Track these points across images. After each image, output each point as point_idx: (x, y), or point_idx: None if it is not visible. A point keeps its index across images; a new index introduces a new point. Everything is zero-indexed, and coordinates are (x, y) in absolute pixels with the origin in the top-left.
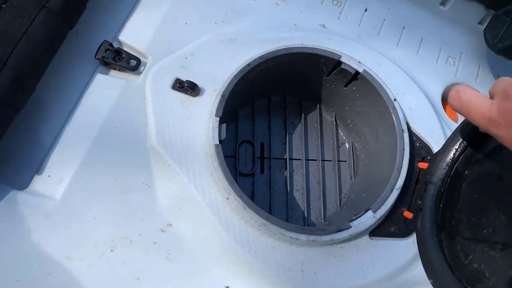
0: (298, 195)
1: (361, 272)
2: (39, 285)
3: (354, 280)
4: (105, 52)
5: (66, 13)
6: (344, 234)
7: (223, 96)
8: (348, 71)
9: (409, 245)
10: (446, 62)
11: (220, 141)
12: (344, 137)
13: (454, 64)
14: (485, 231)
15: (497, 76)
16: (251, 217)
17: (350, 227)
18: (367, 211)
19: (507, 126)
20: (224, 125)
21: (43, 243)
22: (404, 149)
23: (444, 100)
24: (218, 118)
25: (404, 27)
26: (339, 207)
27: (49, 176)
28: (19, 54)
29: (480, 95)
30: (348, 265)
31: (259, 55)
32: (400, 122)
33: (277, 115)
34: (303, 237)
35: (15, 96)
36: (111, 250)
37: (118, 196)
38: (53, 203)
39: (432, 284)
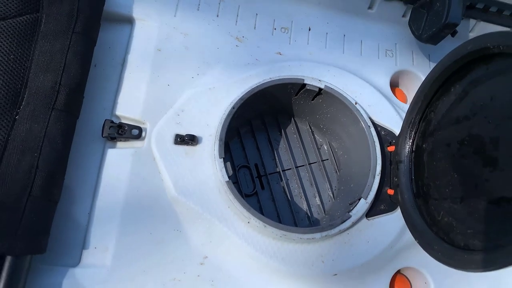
0: (298, 199)
1: (368, 248)
2: None
3: (365, 256)
4: (109, 129)
5: (71, 108)
6: (348, 223)
7: (220, 139)
8: (312, 89)
9: (398, 216)
10: (386, 55)
11: (229, 177)
12: (321, 140)
13: (393, 56)
14: (447, 190)
15: (428, 55)
16: (272, 232)
17: (351, 216)
18: (359, 199)
19: None
20: (228, 163)
21: None
22: (374, 140)
23: (392, 86)
24: (222, 159)
25: (344, 35)
26: (333, 199)
27: (95, 248)
28: (46, 155)
29: None
30: (357, 246)
31: (239, 97)
32: (365, 120)
33: (261, 136)
34: (317, 235)
35: (53, 191)
36: None
37: (156, 247)
38: (106, 269)
39: (418, 242)
